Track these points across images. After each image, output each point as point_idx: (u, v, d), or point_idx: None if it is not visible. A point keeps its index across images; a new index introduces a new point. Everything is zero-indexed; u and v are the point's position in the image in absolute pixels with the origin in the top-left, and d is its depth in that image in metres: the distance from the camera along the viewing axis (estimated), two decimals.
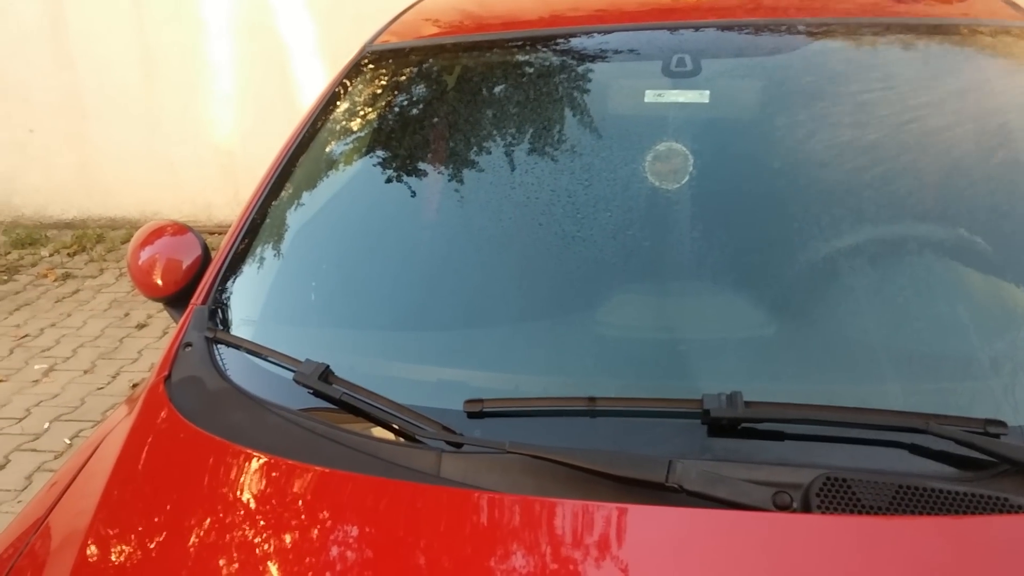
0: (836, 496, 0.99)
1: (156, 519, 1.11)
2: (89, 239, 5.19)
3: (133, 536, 1.09)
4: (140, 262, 1.69)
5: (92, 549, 1.08)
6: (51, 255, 5.04)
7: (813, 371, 1.22)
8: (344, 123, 1.84)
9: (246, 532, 1.06)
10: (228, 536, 1.06)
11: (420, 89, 1.84)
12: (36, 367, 3.70)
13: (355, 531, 1.04)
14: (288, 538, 1.04)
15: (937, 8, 1.87)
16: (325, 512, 1.07)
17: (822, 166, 1.52)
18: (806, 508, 0.99)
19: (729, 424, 1.09)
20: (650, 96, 1.60)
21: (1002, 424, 1.04)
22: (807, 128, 1.59)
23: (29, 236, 5.24)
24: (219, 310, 1.48)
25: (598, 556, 0.97)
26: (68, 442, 3.11)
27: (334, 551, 1.02)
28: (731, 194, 1.47)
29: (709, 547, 0.96)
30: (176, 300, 1.65)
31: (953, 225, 1.36)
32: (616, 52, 1.77)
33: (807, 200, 1.43)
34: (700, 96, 1.59)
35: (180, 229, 1.74)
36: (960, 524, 0.96)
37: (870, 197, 1.38)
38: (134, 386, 3.50)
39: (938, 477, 1.03)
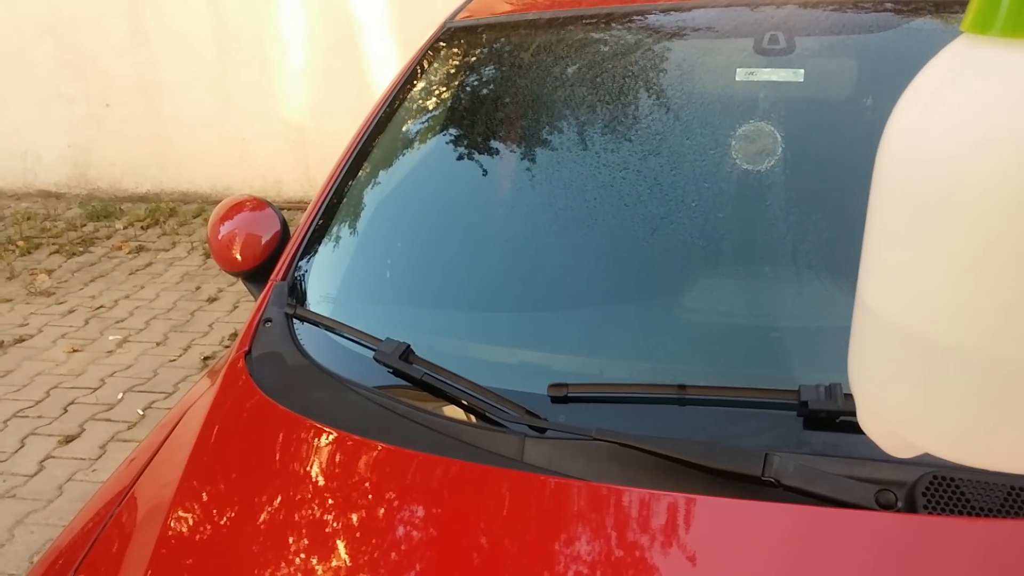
0: (943, 496, 0.94)
1: (237, 493, 1.12)
2: (162, 212, 5.31)
3: (215, 508, 1.10)
4: (220, 236, 1.70)
5: (176, 520, 1.09)
6: (125, 228, 5.17)
7: None
8: (422, 101, 1.82)
9: (323, 509, 1.06)
10: (306, 512, 1.06)
11: (499, 66, 1.81)
12: (110, 338, 3.80)
13: (434, 513, 1.03)
14: (365, 517, 1.04)
15: None
16: (403, 493, 1.06)
17: None
18: (911, 508, 0.94)
19: (828, 417, 1.04)
20: (741, 75, 1.54)
21: None
22: None
23: (104, 209, 5.38)
24: (298, 286, 1.48)
25: (688, 551, 0.94)
26: (141, 413, 3.19)
27: (412, 532, 1.01)
28: (826, 176, 1.41)
29: (808, 546, 0.92)
30: (255, 275, 1.66)
31: None
32: (704, 29, 1.71)
33: None
34: (794, 75, 1.53)
35: (259, 204, 1.74)
36: None
37: None
38: (205, 359, 3.57)
39: None
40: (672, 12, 1.77)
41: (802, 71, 1.53)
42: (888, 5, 1.67)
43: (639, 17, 1.78)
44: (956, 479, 0.95)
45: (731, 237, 1.33)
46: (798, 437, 1.05)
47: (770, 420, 1.08)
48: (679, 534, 0.95)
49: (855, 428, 1.05)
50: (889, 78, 1.57)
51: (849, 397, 1.03)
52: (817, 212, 1.34)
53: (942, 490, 0.94)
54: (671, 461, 1.01)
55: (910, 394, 0.59)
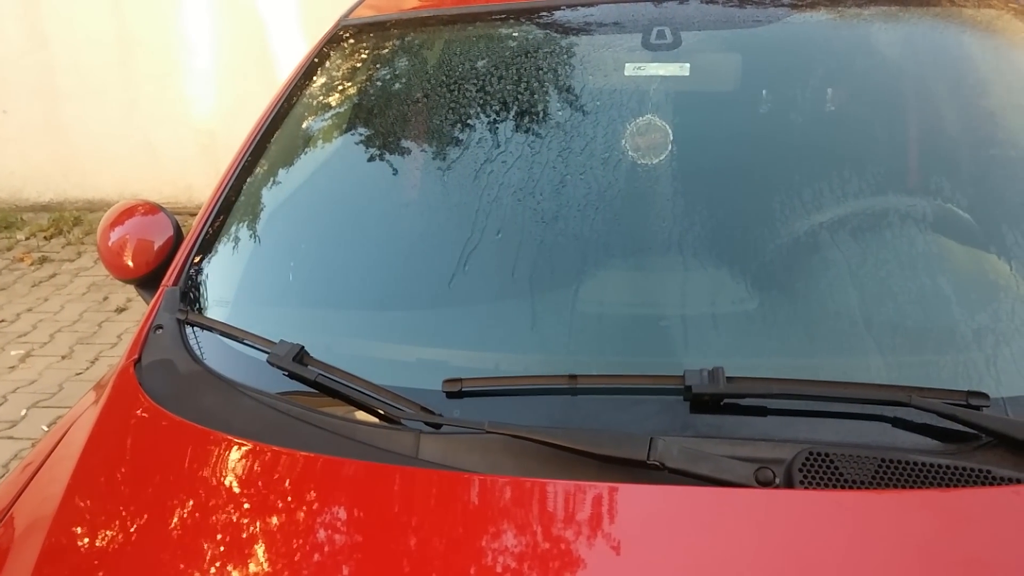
0: (819, 471, 0.98)
1: (126, 506, 1.08)
2: (66, 222, 5.12)
3: (102, 523, 1.07)
4: (110, 243, 1.66)
5: (59, 537, 1.05)
6: (27, 239, 4.96)
7: (795, 345, 1.20)
8: (319, 99, 1.80)
9: (220, 518, 1.04)
10: (201, 523, 1.04)
11: (397, 64, 1.80)
12: (12, 353, 3.65)
13: (332, 515, 1.02)
14: (263, 524, 1.02)
15: None
16: (301, 496, 1.05)
17: (802, 140, 1.50)
18: (789, 484, 0.97)
19: (711, 400, 1.07)
20: (630, 69, 1.57)
21: (984, 396, 1.03)
22: (787, 101, 1.57)
23: (4, 219, 5.16)
24: (191, 291, 1.45)
25: (580, 536, 0.95)
26: (46, 429, 3.07)
27: (310, 536, 1.00)
28: (712, 168, 1.45)
29: (692, 525, 0.95)
30: (148, 282, 1.61)
31: (934, 198, 1.34)
32: (596, 25, 1.74)
33: (788, 174, 1.41)
34: (680, 69, 1.57)
35: (151, 209, 1.70)
36: (943, 497, 0.95)
37: (851, 170, 1.36)
38: None
39: (921, 450, 1.01)
40: (564, 8, 1.79)
41: (688, 65, 1.57)
42: (771, 1, 1.73)
43: (532, 14, 1.79)
44: (831, 455, 0.98)
45: (620, 229, 1.35)
46: (683, 421, 1.08)
47: (657, 405, 1.10)
48: (571, 520, 0.97)
49: (737, 410, 1.09)
50: (771, 71, 1.62)
51: (731, 380, 1.06)
52: (702, 202, 1.37)
53: (817, 466, 0.98)
54: (562, 450, 1.02)
55: None
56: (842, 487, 0.97)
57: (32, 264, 4.59)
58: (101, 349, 3.64)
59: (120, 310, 3.99)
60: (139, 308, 4.00)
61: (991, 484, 0.95)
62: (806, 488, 0.97)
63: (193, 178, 5.17)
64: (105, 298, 4.13)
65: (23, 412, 3.19)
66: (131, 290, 4.12)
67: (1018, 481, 0.95)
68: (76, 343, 3.71)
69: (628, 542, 0.94)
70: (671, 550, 0.93)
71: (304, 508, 1.03)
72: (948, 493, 0.95)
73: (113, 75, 5.02)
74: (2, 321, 3.95)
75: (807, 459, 0.98)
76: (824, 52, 1.62)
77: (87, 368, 3.49)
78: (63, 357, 3.59)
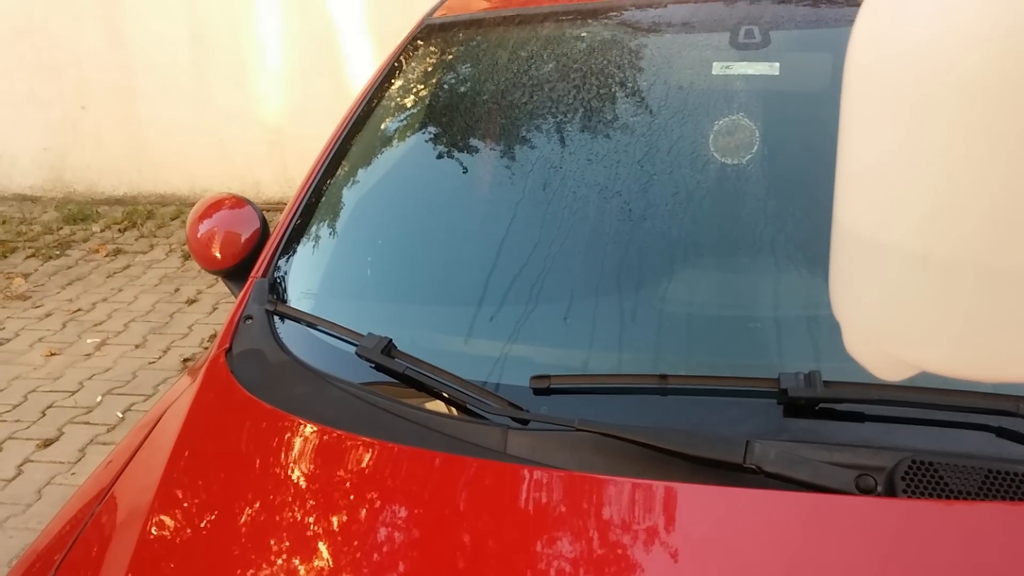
0: (922, 480, 0.95)
1: (220, 492, 1.11)
2: (139, 215, 5.26)
3: (197, 509, 1.09)
4: (199, 235, 1.69)
5: (156, 522, 1.08)
6: (102, 231, 5.11)
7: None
8: (400, 99, 1.82)
9: (308, 506, 1.06)
10: (290, 509, 1.05)
11: (476, 63, 1.81)
12: (88, 341, 3.76)
13: (418, 507, 1.03)
14: (350, 513, 1.03)
15: None
16: (388, 487, 1.06)
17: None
18: (891, 492, 0.95)
19: (807, 404, 1.05)
20: (717, 68, 1.55)
21: None
22: None
23: (81, 212, 5.33)
24: (279, 283, 1.47)
25: (672, 538, 0.94)
26: (120, 415, 3.16)
27: (396, 527, 1.01)
28: (802, 169, 1.42)
29: (790, 530, 0.93)
30: (235, 273, 1.65)
31: None
32: (680, 24, 1.73)
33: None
34: (770, 68, 1.54)
35: (238, 202, 1.73)
36: None
37: None
38: (185, 360, 3.54)
39: None
40: (648, 8, 1.78)
41: (778, 64, 1.54)
42: None
43: (615, 13, 1.78)
44: (935, 463, 0.96)
45: (710, 229, 1.34)
46: (778, 424, 1.06)
47: (751, 408, 1.09)
48: (663, 522, 0.96)
49: (834, 415, 1.07)
50: None
51: (828, 384, 1.04)
52: (793, 203, 1.35)
53: (921, 474, 0.95)
54: (653, 450, 1.01)
55: (898, 309, 0.56)
56: (947, 497, 0.94)
57: (107, 255, 4.73)
58: (173, 339, 3.73)
59: (191, 302, 4.09)
60: (208, 300, 4.09)
61: None
62: (909, 497, 0.94)
63: (261, 174, 5.27)
64: (176, 290, 4.24)
65: (98, 399, 3.28)
66: (201, 282, 4.22)
67: None
68: (149, 333, 3.81)
69: (722, 546, 0.93)
70: (770, 555, 0.91)
71: (390, 499, 1.04)
72: None
73: (186, 74, 5.15)
74: (79, 310, 4.08)
75: (910, 467, 0.96)
76: None
77: (159, 357, 3.58)
78: (136, 346, 3.69)
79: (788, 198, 1.36)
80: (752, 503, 0.97)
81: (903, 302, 0.55)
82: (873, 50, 0.53)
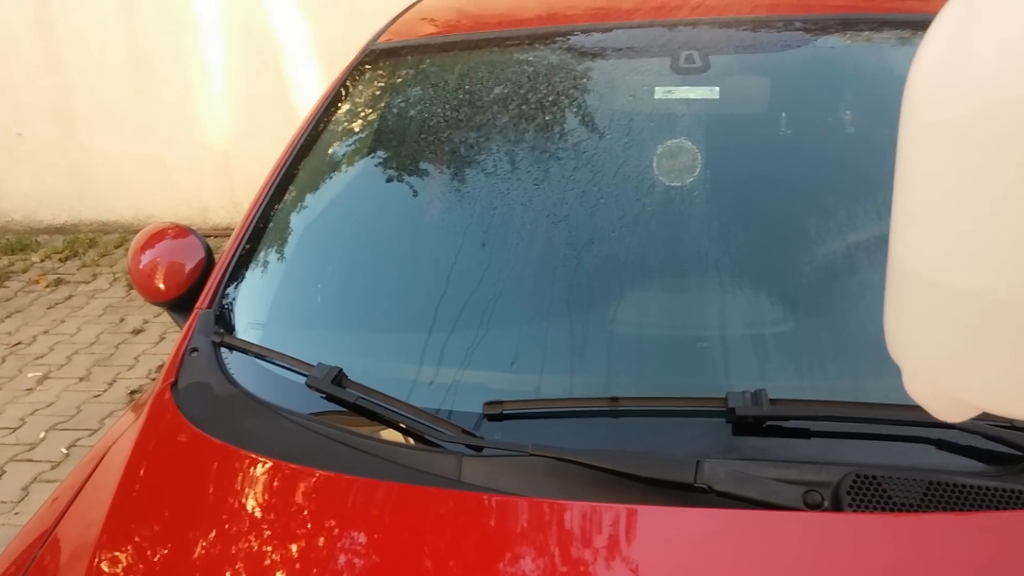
0: (867, 494, 0.97)
1: (168, 529, 1.09)
2: (81, 244, 5.14)
3: (145, 547, 1.07)
4: (141, 266, 1.66)
5: (103, 561, 1.05)
6: (42, 261, 4.99)
7: (836, 366, 1.20)
8: (348, 124, 1.82)
9: (260, 540, 1.04)
10: (242, 545, 1.04)
11: (424, 88, 1.82)
12: (30, 375, 3.66)
13: (374, 538, 1.02)
14: (304, 546, 1.02)
15: (940, 3, 1.85)
16: (342, 519, 1.05)
17: (833, 161, 1.51)
18: (837, 507, 0.97)
19: (755, 422, 1.07)
20: (660, 93, 1.58)
21: None
22: (817, 123, 1.58)
23: (19, 242, 5.19)
24: (225, 314, 1.45)
25: (627, 560, 0.95)
26: (65, 452, 3.07)
27: (352, 559, 1.00)
28: (746, 189, 1.46)
29: (740, 548, 0.94)
30: (179, 304, 1.62)
31: None
32: (623, 49, 1.76)
33: (821, 195, 1.42)
34: (710, 92, 1.58)
35: (182, 232, 1.71)
36: (992, 519, 0.95)
37: (883, 192, 1.37)
38: (132, 393, 3.46)
39: (967, 472, 1.01)
40: (591, 32, 1.81)
41: (718, 88, 1.58)
42: (797, 24, 1.74)
43: (559, 38, 1.81)
44: (878, 477, 0.98)
45: (656, 251, 1.36)
46: (728, 443, 1.08)
47: (701, 428, 1.10)
48: (618, 545, 0.96)
49: (781, 432, 1.09)
50: (800, 93, 1.63)
51: (774, 402, 1.06)
52: (737, 223, 1.38)
53: (865, 488, 0.98)
54: (607, 473, 1.02)
55: (963, 353, 0.56)
56: (891, 510, 0.96)
57: (48, 286, 4.61)
58: (119, 371, 3.65)
59: (137, 332, 4.00)
60: (156, 330, 4.00)
61: None
62: (855, 511, 0.96)
63: (208, 199, 5.20)
64: (122, 320, 4.14)
65: (41, 435, 3.19)
66: (147, 312, 4.13)
67: None
68: (93, 365, 3.71)
69: (676, 566, 0.94)
70: (719, 574, 0.92)
71: (344, 531, 1.03)
72: (997, 516, 0.95)
73: (128, 98, 5.06)
74: (19, 344, 3.96)
75: (855, 481, 0.98)
76: (851, 74, 1.63)
77: (105, 390, 3.49)
78: (80, 379, 3.60)
79: (731, 219, 1.39)
80: (704, 522, 0.98)
81: (964, 345, 0.56)
82: (939, 90, 0.53)
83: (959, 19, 0.53)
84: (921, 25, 1.71)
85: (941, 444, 1.04)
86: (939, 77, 0.53)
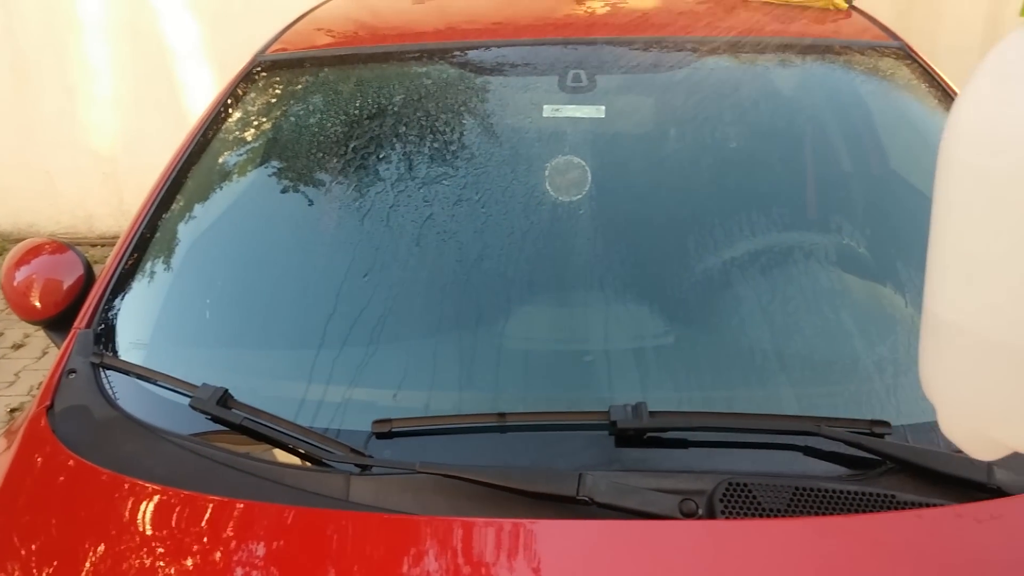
0: (738, 501, 1.02)
1: (42, 561, 1.04)
2: None
3: None
4: (16, 283, 1.59)
5: None
6: None
7: (713, 379, 1.26)
8: (237, 134, 1.78)
9: (146, 570, 1.01)
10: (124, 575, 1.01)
11: (314, 101, 1.80)
12: None
13: (261, 562, 1.01)
14: (190, 574, 1.00)
15: (816, 28, 1.96)
16: (229, 544, 1.03)
17: (713, 180, 1.57)
18: (711, 514, 1.02)
19: (635, 434, 1.11)
20: (548, 111, 1.62)
21: (886, 424, 1.10)
22: (698, 143, 1.64)
23: None
24: (105, 333, 1.41)
25: (512, 573, 0.97)
26: None
27: None
28: (629, 206, 1.51)
29: (620, 558, 0.98)
30: (57, 323, 1.55)
31: (836, 236, 1.43)
32: (513, 66, 1.79)
33: (700, 212, 1.48)
34: (596, 111, 1.62)
35: (59, 247, 1.64)
36: (852, 522, 1.01)
37: (759, 210, 1.44)
38: (12, 411, 3.28)
39: (831, 477, 1.08)
40: (482, 49, 1.83)
41: (603, 107, 1.63)
42: (682, 45, 1.81)
43: (449, 54, 1.83)
44: (749, 484, 1.03)
45: (543, 267, 1.39)
46: (610, 455, 1.11)
47: (586, 441, 1.13)
48: (504, 558, 0.98)
49: (661, 443, 1.13)
50: (683, 113, 1.70)
51: (653, 414, 1.10)
52: (621, 240, 1.43)
53: (737, 495, 1.03)
54: (493, 488, 1.04)
55: (999, 400, 0.58)
56: (760, 515, 1.02)
57: None
58: None
59: (17, 346, 3.80)
60: (38, 344, 3.81)
61: (896, 508, 1.02)
62: (727, 518, 1.01)
63: (94, 208, 4.98)
64: (0, 334, 3.93)
65: None
66: (29, 326, 3.93)
67: (919, 505, 1.02)
68: None
69: None
70: None
71: (232, 556, 1.02)
72: (856, 519, 1.01)
73: (6, 102, 4.80)
74: None
75: (727, 489, 1.03)
76: (732, 96, 1.71)
77: None
78: None
79: (616, 235, 1.44)
80: (587, 534, 1.01)
81: (1000, 393, 0.59)
82: (981, 141, 0.54)
83: (1003, 68, 0.54)
84: (803, 49, 1.81)
85: (809, 451, 1.11)
86: (981, 127, 0.54)
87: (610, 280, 1.36)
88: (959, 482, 1.04)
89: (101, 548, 1.05)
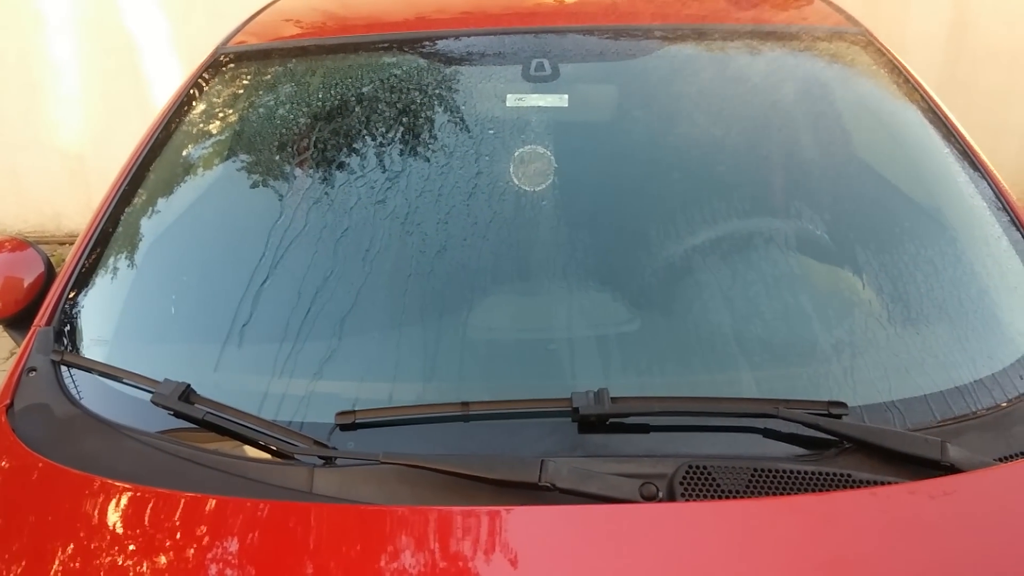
0: (698, 483, 1.04)
1: (4, 563, 1.03)
2: None
3: None
4: None
5: None
6: None
7: (674, 364, 1.27)
8: (199, 127, 1.77)
9: (109, 569, 1.01)
10: (87, 573, 1.00)
11: (276, 92, 1.79)
12: None
13: (226, 557, 1.01)
14: (156, 572, 1.00)
15: (779, 15, 1.98)
16: (193, 540, 1.03)
17: (674, 167, 1.58)
18: (671, 497, 1.03)
19: (597, 420, 1.12)
20: (511, 100, 1.62)
21: (843, 405, 1.11)
22: (660, 131, 1.65)
23: None
24: (66, 331, 1.39)
25: (477, 560, 0.98)
26: None
27: None
28: (591, 195, 1.51)
29: (583, 542, 0.99)
30: (18, 321, 1.54)
31: (796, 221, 1.45)
32: (477, 56, 1.79)
33: (662, 200, 1.49)
34: (559, 100, 1.63)
35: (19, 244, 1.63)
36: (809, 502, 1.03)
37: (719, 196, 1.45)
38: None
39: (789, 458, 1.09)
40: (445, 39, 1.83)
41: (566, 96, 1.63)
42: (645, 33, 1.81)
43: (414, 44, 1.82)
44: (708, 467, 1.05)
45: (506, 256, 1.39)
46: (572, 442, 1.12)
47: (548, 428, 1.14)
48: (468, 546, 0.99)
49: (622, 428, 1.14)
50: (645, 101, 1.71)
51: (615, 400, 1.11)
52: (583, 228, 1.43)
53: (696, 478, 1.04)
54: (456, 477, 1.04)
55: None
56: (719, 497, 1.03)
57: None
58: None
59: None
60: (4, 344, 3.76)
61: (852, 487, 1.03)
62: (687, 500, 1.02)
63: (62, 205, 4.91)
64: None
65: None
66: None
67: (875, 483, 1.03)
68: None
69: (524, 563, 0.97)
70: (566, 569, 0.96)
71: (198, 552, 1.02)
72: (814, 497, 1.03)
73: None
74: None
75: (687, 473, 1.04)
76: (694, 83, 1.72)
77: None
78: None
79: (578, 224, 1.44)
80: (549, 519, 1.02)
81: None
82: None
83: None
84: (765, 35, 1.82)
85: (767, 433, 1.12)
86: None
87: (573, 268, 1.37)
88: (914, 460, 1.06)
89: (62, 546, 1.04)
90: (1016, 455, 1.11)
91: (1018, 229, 1.42)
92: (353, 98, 1.69)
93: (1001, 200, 1.48)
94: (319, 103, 1.70)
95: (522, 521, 1.02)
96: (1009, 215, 1.45)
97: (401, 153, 1.56)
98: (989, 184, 1.51)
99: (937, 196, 1.54)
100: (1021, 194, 1.81)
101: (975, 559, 0.97)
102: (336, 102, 1.69)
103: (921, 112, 1.68)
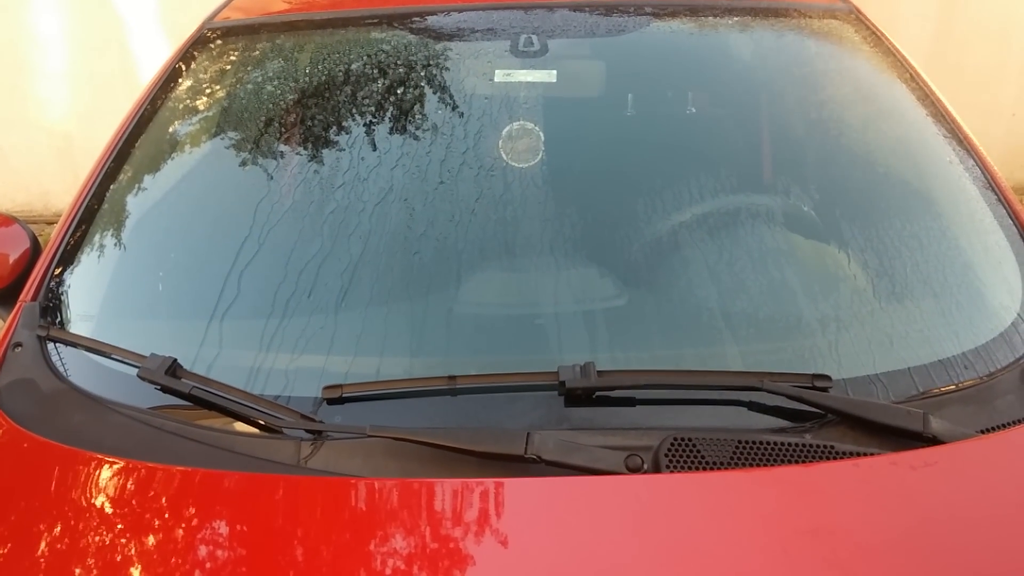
0: (683, 455, 1.04)
1: None
2: None
3: None
4: None
5: None
6: None
7: (661, 338, 1.27)
8: (185, 103, 1.76)
9: (95, 542, 1.01)
10: (76, 549, 1.01)
11: (264, 68, 1.78)
12: None
13: (215, 530, 1.01)
14: (142, 545, 1.00)
15: None
16: (182, 513, 1.03)
17: (663, 143, 1.58)
18: (656, 469, 1.04)
19: (584, 393, 1.12)
20: (499, 76, 1.61)
21: (827, 378, 1.12)
22: (649, 107, 1.65)
23: None
24: (52, 306, 1.39)
25: (463, 532, 0.98)
26: None
27: (193, 554, 0.99)
28: (579, 171, 1.51)
29: (569, 513, 0.99)
30: (3, 297, 1.54)
31: (783, 197, 1.45)
32: (466, 31, 1.78)
33: (650, 175, 1.49)
34: (548, 76, 1.62)
35: (5, 220, 1.62)
36: (792, 473, 1.04)
37: (707, 172, 1.45)
38: None
39: (773, 430, 1.10)
40: (434, 14, 1.82)
41: (555, 72, 1.63)
42: (632, 9, 1.81)
43: (401, 19, 1.81)
44: (693, 439, 1.05)
45: (494, 231, 1.39)
46: (559, 415, 1.13)
47: (534, 401, 1.15)
48: (454, 518, 1.00)
49: (609, 401, 1.15)
50: (634, 77, 1.70)
51: (601, 374, 1.12)
52: (571, 204, 1.43)
53: (681, 450, 1.05)
54: (442, 449, 1.05)
55: None
56: (704, 469, 1.04)
57: None
58: None
59: None
60: None
61: (834, 458, 1.04)
62: (672, 472, 1.03)
63: (49, 184, 4.88)
64: None
65: None
66: None
67: (858, 455, 1.04)
68: None
69: (510, 534, 0.98)
70: (550, 539, 0.97)
71: (185, 525, 1.02)
72: (797, 469, 1.04)
73: None
74: None
75: (672, 445, 1.05)
76: (683, 59, 1.71)
77: None
78: None
79: (566, 199, 1.44)
80: (535, 491, 1.02)
81: None
82: None
83: None
84: (754, 11, 1.82)
85: (751, 406, 1.13)
86: None
87: (561, 243, 1.37)
88: (896, 432, 1.07)
89: (49, 520, 1.04)
90: (997, 427, 1.12)
91: (1003, 204, 1.43)
92: (340, 74, 1.68)
93: (986, 176, 1.48)
94: (306, 79, 1.69)
95: (508, 493, 1.02)
96: (994, 191, 1.46)
97: (389, 130, 1.56)
98: (975, 160, 1.51)
99: (923, 172, 1.55)
100: (1010, 173, 1.81)
101: (956, 529, 0.98)
102: (323, 78, 1.68)
103: (908, 89, 1.68)
